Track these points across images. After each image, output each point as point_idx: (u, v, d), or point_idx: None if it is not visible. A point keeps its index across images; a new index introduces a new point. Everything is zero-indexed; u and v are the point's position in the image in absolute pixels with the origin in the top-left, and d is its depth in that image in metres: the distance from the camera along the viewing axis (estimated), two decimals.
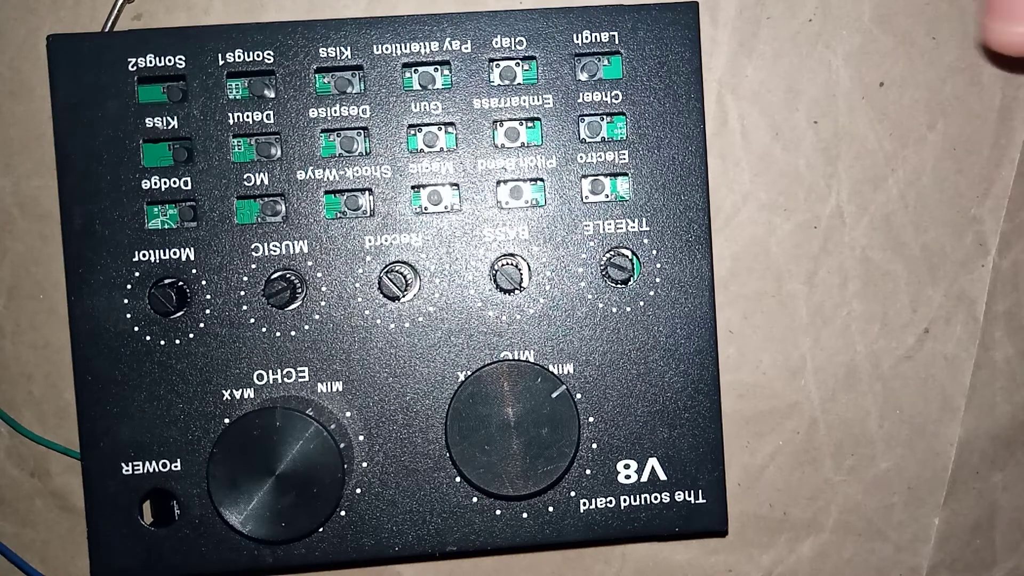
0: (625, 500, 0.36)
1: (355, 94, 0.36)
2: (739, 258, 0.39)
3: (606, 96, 0.36)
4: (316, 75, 0.36)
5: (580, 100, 0.36)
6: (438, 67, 0.36)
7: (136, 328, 0.35)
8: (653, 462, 0.36)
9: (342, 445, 0.34)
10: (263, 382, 0.36)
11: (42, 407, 0.39)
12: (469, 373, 0.35)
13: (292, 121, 0.35)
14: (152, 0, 0.38)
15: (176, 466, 0.35)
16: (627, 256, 0.36)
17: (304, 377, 0.36)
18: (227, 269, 0.35)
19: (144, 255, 0.35)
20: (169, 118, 0.35)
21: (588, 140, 0.36)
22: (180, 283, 0.35)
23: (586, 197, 0.36)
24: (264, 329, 0.35)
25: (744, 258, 0.39)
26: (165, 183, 0.35)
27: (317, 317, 0.36)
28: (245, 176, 0.35)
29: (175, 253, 0.35)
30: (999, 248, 0.40)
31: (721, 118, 0.39)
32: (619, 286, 0.36)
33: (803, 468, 0.40)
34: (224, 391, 0.35)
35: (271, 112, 0.35)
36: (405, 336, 0.36)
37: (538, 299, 0.36)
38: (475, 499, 0.36)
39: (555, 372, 0.35)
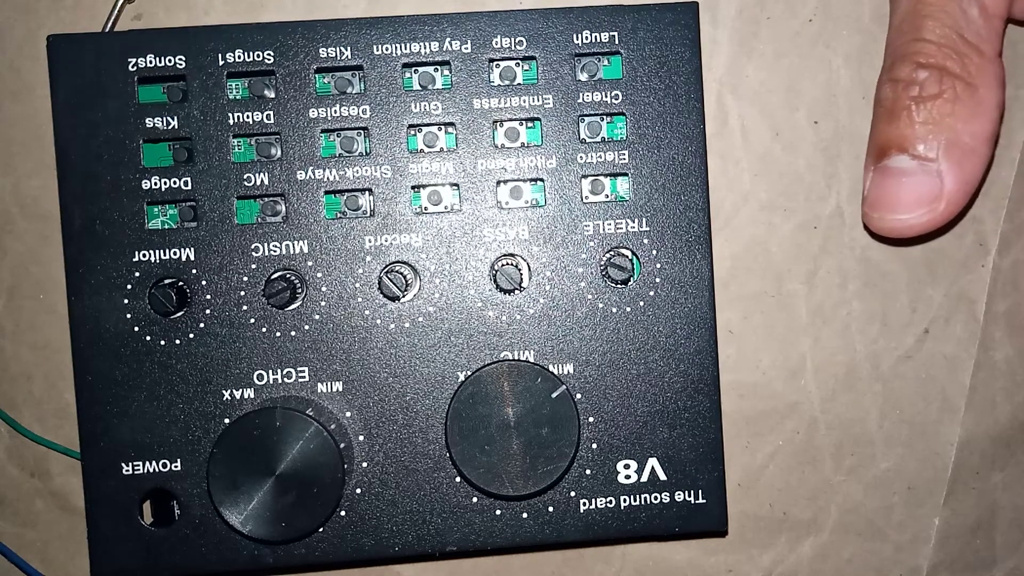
0: (625, 500, 0.36)
1: (355, 94, 0.36)
2: (739, 258, 0.39)
3: (606, 96, 0.36)
4: (316, 75, 0.36)
5: (580, 100, 0.36)
6: (438, 67, 0.36)
7: (136, 328, 0.35)
8: (653, 462, 0.36)
9: (342, 445, 0.34)
10: (263, 382, 0.36)
11: (42, 407, 0.39)
12: (469, 373, 0.35)
13: (292, 121, 0.35)
14: (152, 0, 0.38)
15: (176, 466, 0.35)
16: (627, 256, 0.36)
17: (304, 377, 0.36)
18: (227, 269, 0.35)
19: (144, 255, 0.35)
20: (169, 118, 0.35)
21: (588, 140, 0.36)
22: (180, 283, 0.35)
23: (586, 197, 0.36)
24: (264, 329, 0.35)
25: (744, 258, 0.39)
26: (165, 183, 0.35)
27: (317, 317, 0.36)
28: (245, 176, 0.35)
29: (175, 253, 0.35)
30: (999, 248, 0.40)
31: (721, 118, 0.39)
32: (619, 286, 0.36)
33: (803, 468, 0.40)
34: (224, 391, 0.35)
35: (271, 112, 0.35)
36: (405, 336, 0.36)
37: (538, 299, 0.36)
38: (475, 499, 0.36)
39: (555, 372, 0.35)
